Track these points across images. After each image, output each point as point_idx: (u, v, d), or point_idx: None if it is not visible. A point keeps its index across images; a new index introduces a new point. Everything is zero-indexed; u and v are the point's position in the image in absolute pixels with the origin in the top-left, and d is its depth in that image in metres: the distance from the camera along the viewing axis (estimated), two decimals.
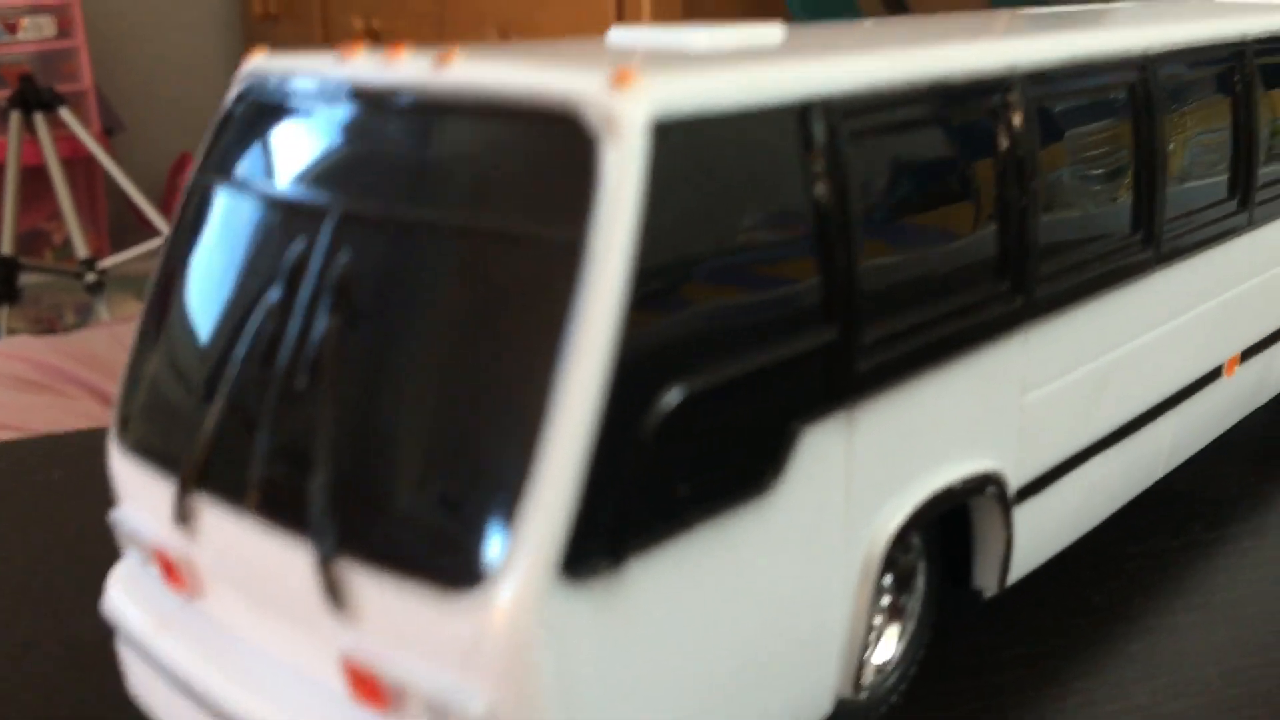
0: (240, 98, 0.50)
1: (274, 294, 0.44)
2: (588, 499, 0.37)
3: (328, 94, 0.46)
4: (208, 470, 0.45)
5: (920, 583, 0.59)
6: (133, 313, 4.10)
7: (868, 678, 0.56)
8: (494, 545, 0.37)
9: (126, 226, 4.18)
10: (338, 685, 0.42)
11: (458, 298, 0.40)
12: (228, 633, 0.47)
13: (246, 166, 0.48)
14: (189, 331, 0.48)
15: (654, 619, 0.41)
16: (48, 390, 3.42)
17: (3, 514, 0.80)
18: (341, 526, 0.40)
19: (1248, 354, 0.79)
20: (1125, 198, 0.63)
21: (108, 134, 4.52)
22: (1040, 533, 0.62)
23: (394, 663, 0.40)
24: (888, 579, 0.57)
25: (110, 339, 3.67)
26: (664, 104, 0.39)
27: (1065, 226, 0.59)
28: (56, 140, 3.90)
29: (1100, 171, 0.62)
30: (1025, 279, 0.56)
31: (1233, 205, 0.73)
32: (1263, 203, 0.76)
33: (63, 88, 4.06)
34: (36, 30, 4.42)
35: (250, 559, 0.44)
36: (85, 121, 4.16)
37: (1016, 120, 0.54)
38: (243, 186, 0.48)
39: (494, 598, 0.37)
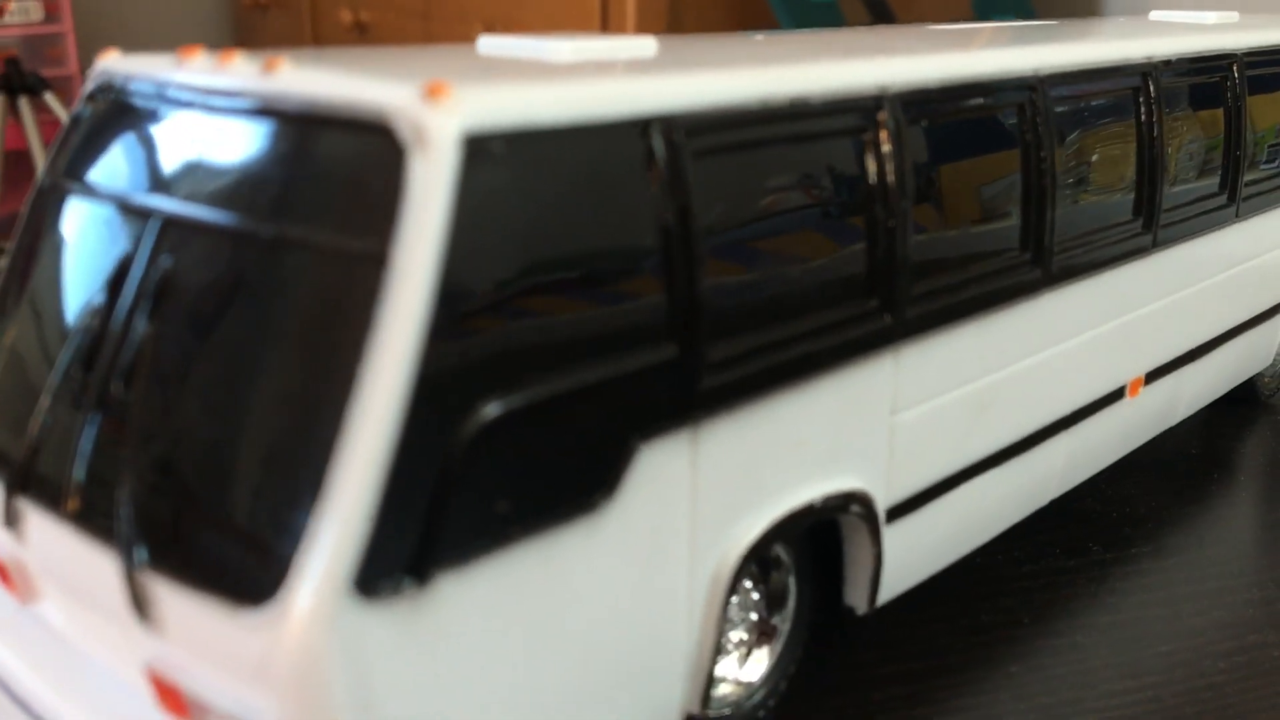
0: (89, 98, 0.49)
1: (97, 298, 0.44)
2: (385, 515, 0.37)
3: (164, 96, 0.45)
4: (31, 474, 0.44)
5: (790, 601, 0.58)
6: None
7: (728, 695, 0.56)
8: (285, 561, 0.37)
9: None
10: (148, 695, 0.42)
11: (264, 308, 0.40)
12: (59, 640, 0.46)
13: (88, 168, 0.48)
14: (26, 335, 0.47)
15: (471, 637, 0.41)
16: None
17: None
18: (147, 537, 0.40)
19: (1153, 376, 0.79)
20: (1014, 217, 0.63)
21: None
22: (914, 552, 0.62)
23: (193, 676, 0.39)
24: (755, 597, 0.57)
25: None
26: (479, 117, 0.39)
27: (945, 245, 0.58)
28: (41, 125, 3.88)
29: (988, 191, 0.61)
30: (895, 298, 0.56)
31: (1137, 226, 0.73)
32: (1169, 225, 0.76)
33: (48, 72, 4.04)
34: (23, 14, 4.40)
35: (71, 565, 0.43)
36: (69, 104, 4.13)
37: (884, 140, 0.54)
38: (83, 188, 0.47)
39: (283, 614, 0.36)
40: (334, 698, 0.37)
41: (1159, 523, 0.83)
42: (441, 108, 0.38)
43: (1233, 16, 0.98)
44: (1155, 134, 0.72)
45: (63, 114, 4.00)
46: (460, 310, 0.38)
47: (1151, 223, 0.74)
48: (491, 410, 0.40)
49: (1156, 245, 0.75)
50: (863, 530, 0.58)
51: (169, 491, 0.40)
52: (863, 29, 0.80)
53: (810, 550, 0.59)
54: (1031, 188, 0.63)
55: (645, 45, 0.54)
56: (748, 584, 0.56)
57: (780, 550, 0.57)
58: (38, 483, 0.44)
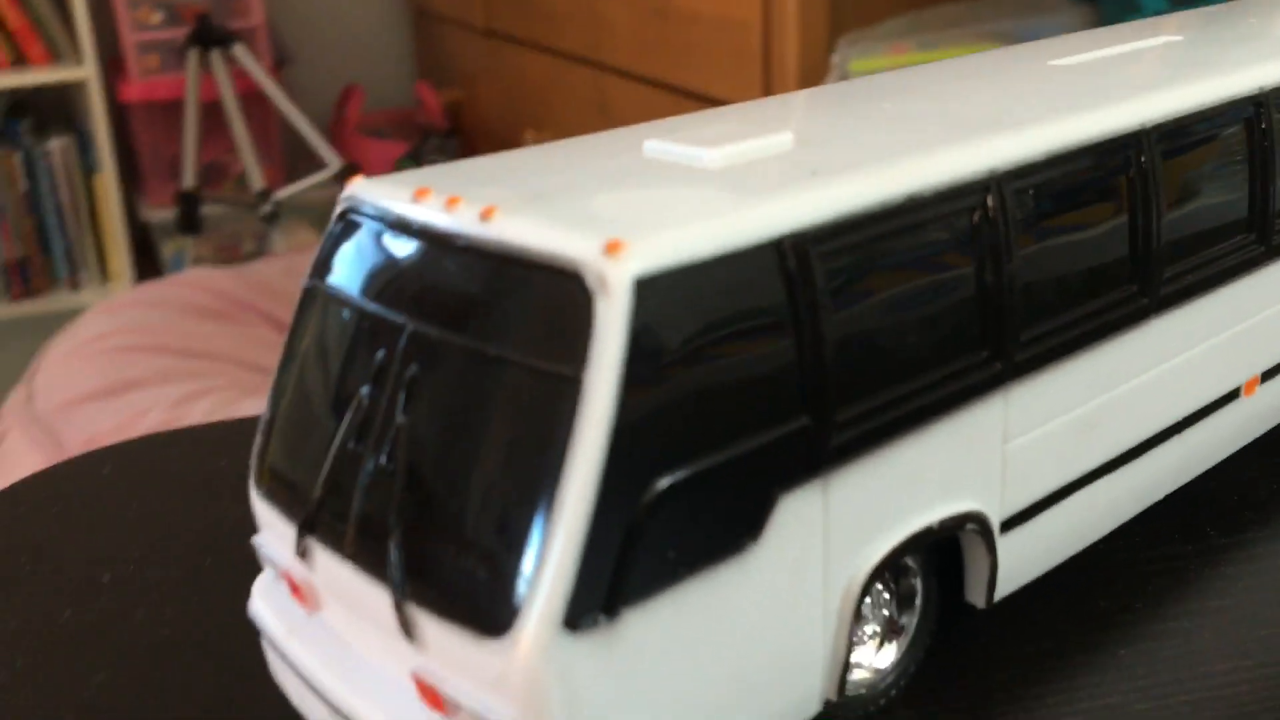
0: (340, 216, 0.62)
1: (366, 389, 0.57)
2: (584, 568, 0.49)
3: (402, 226, 0.58)
4: (318, 520, 0.58)
5: (918, 600, 0.69)
6: (306, 242, 4.36)
7: (863, 679, 0.67)
8: (514, 603, 0.50)
9: (299, 157, 4.41)
10: (413, 692, 0.56)
11: (493, 409, 0.52)
12: (340, 642, 0.61)
13: (340, 275, 0.61)
14: (304, 407, 0.61)
15: (650, 655, 0.53)
16: (227, 318, 3.72)
17: (166, 505, 0.95)
18: (410, 578, 0.53)
19: (1270, 373, 0.86)
20: (1122, 255, 0.71)
21: (279, 67, 4.73)
22: (1028, 555, 0.71)
23: (449, 682, 0.53)
24: (887, 597, 0.68)
25: (284, 269, 3.93)
26: (646, 263, 0.50)
27: (1052, 294, 0.67)
28: (232, 76, 4.14)
29: (1094, 240, 0.69)
30: (1003, 347, 0.65)
31: (1250, 239, 0.79)
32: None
33: (236, 24, 4.30)
34: None
35: (351, 590, 0.57)
36: (257, 56, 4.36)
37: (994, 217, 0.63)
38: (338, 293, 0.60)
39: (514, 644, 0.49)
40: (552, 705, 0.50)
41: (1278, 506, 0.90)
42: (618, 260, 0.50)
43: None
44: (1263, 160, 0.78)
45: (251, 65, 4.22)
46: (636, 412, 0.50)
47: (1265, 235, 0.80)
48: (662, 484, 0.51)
49: (1270, 256, 0.81)
50: (978, 542, 0.68)
51: (425, 545, 0.53)
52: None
53: (936, 557, 0.69)
54: (1138, 230, 0.71)
55: (783, 141, 0.64)
56: (879, 587, 0.67)
57: (909, 559, 0.67)
58: (323, 526, 0.58)
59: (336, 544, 0.57)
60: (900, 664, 0.69)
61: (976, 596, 0.70)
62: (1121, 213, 0.71)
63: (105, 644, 0.77)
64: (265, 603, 0.65)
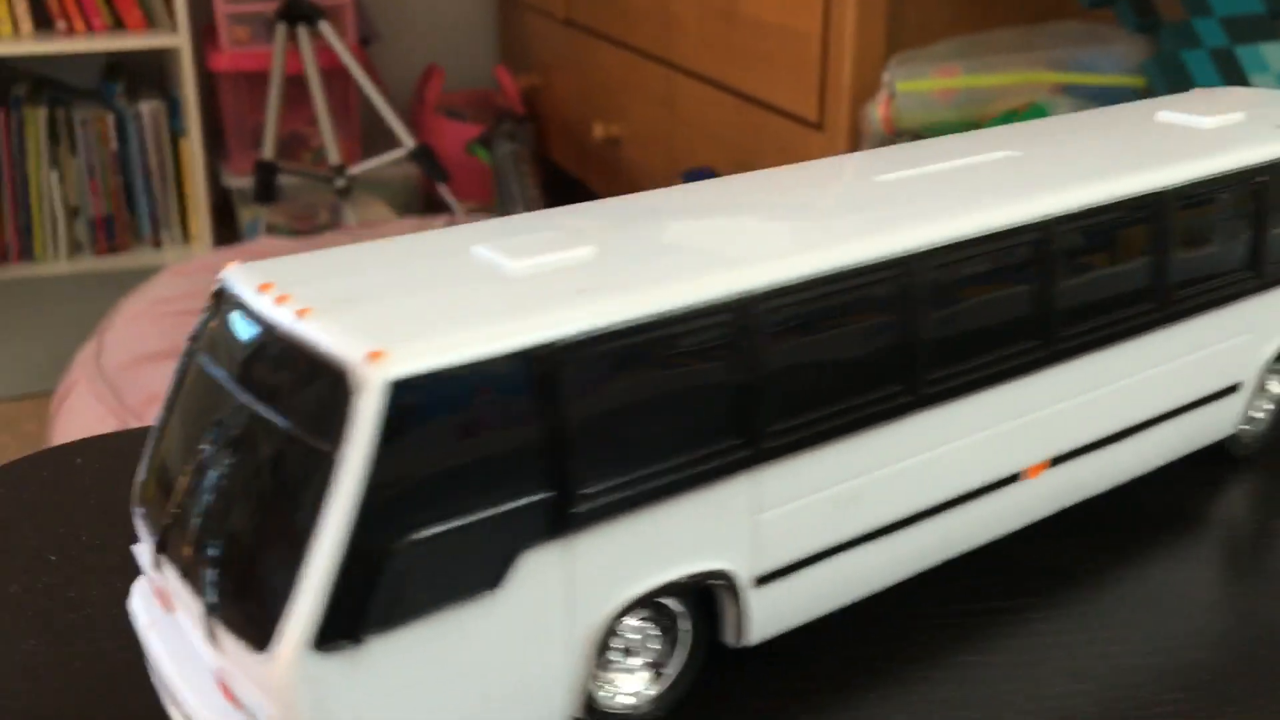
0: (216, 294, 0.77)
1: (206, 437, 0.72)
2: (333, 602, 0.64)
3: (248, 311, 0.73)
4: (168, 540, 0.74)
5: (681, 637, 0.82)
6: (377, 217, 4.56)
7: (630, 703, 0.81)
8: (275, 625, 0.64)
9: (377, 135, 4.61)
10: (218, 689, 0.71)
11: (279, 471, 0.67)
12: (184, 640, 0.76)
13: (207, 344, 0.76)
14: (170, 447, 0.77)
15: (395, 675, 0.67)
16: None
17: (124, 495, 1.11)
18: (213, 595, 0.68)
19: (1061, 459, 0.96)
20: (879, 363, 0.83)
21: (364, 44, 4.91)
22: (782, 608, 0.84)
23: (237, 682, 0.68)
24: (654, 633, 0.81)
25: (351, 242, 4.11)
26: (399, 370, 0.64)
27: (800, 394, 0.79)
28: (316, 51, 4.34)
29: (851, 347, 0.82)
30: (752, 437, 0.78)
31: (1029, 346, 0.90)
32: (1068, 340, 0.92)
33: (324, 1, 4.50)
34: None
35: (185, 600, 0.73)
36: (342, 32, 4.54)
37: (743, 333, 0.75)
38: (204, 358, 0.75)
39: (273, 658, 0.64)
40: (301, 708, 0.64)
41: (1066, 576, 1.00)
42: (376, 366, 0.64)
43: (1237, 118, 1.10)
44: (1054, 282, 0.89)
45: (336, 42, 4.40)
46: (382, 486, 0.64)
47: (1049, 341, 0.91)
48: (406, 539, 0.65)
49: (1053, 360, 0.92)
50: (727, 594, 0.81)
51: (226, 572, 0.68)
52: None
53: (698, 601, 0.82)
54: (903, 341, 0.83)
55: (584, 255, 0.77)
56: (644, 625, 0.80)
57: (670, 602, 0.80)
58: (170, 546, 0.74)
59: (177, 562, 0.73)
60: (666, 694, 0.82)
61: (729, 638, 0.83)
62: (886, 325, 0.82)
63: (42, 614, 0.94)
64: (139, 600, 0.80)
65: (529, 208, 4.28)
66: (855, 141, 3.03)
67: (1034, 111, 2.90)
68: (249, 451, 0.69)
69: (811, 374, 0.80)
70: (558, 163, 4.95)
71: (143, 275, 3.68)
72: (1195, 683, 0.88)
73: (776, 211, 0.88)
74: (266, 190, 4.36)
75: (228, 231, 4.61)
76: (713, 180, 0.96)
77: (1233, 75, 2.75)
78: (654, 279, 0.74)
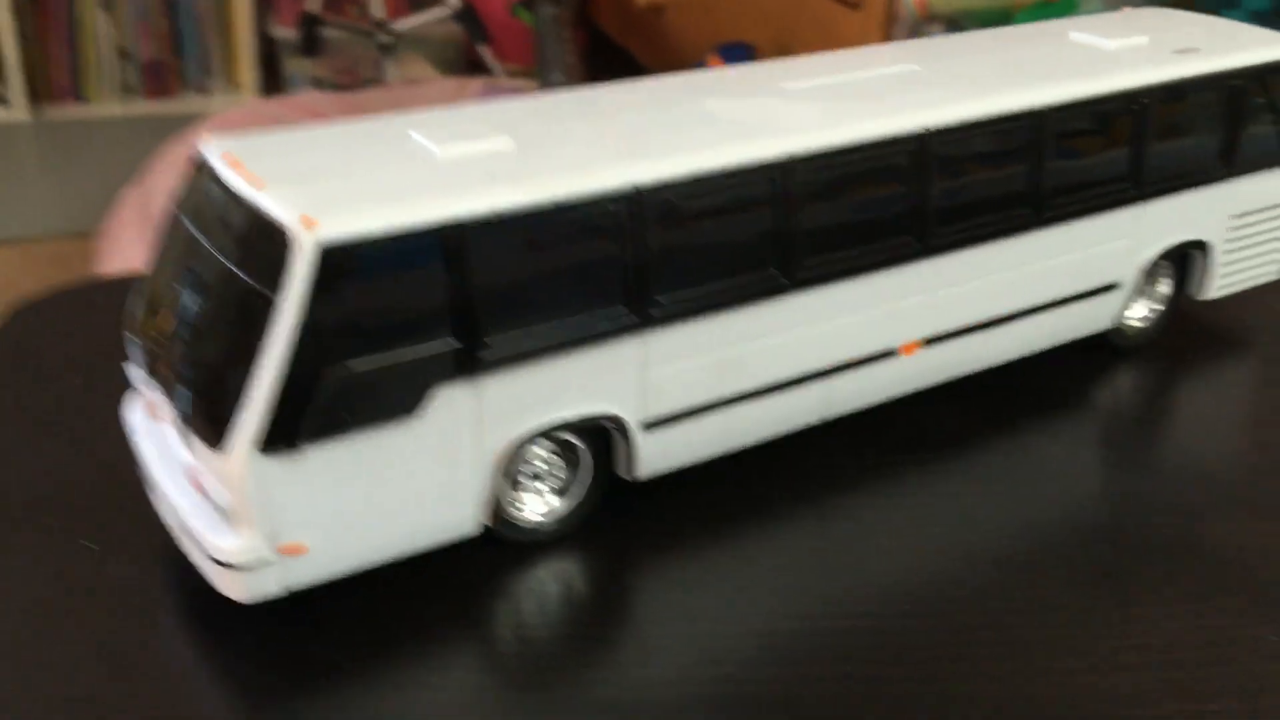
0: (194, 162, 0.92)
1: (183, 280, 0.88)
2: (274, 416, 0.80)
3: (216, 179, 0.88)
4: (154, 359, 0.91)
5: (583, 468, 0.99)
6: (420, 75, 4.65)
7: (535, 519, 0.97)
8: (231, 431, 0.81)
9: None
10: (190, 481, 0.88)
11: (237, 309, 0.83)
12: (167, 444, 0.93)
13: (185, 204, 0.91)
14: (156, 286, 0.93)
15: (327, 478, 0.84)
16: None
17: (91, 351, 1.28)
18: (186, 407, 0.85)
19: (936, 340, 1.10)
20: (760, 249, 0.97)
21: None
22: (667, 451, 1.00)
23: (202, 475, 0.85)
24: (561, 463, 0.98)
25: (388, 100, 4.24)
26: (331, 234, 0.79)
27: (687, 273, 0.94)
28: None
29: (740, 231, 0.95)
30: (640, 306, 0.92)
31: (908, 239, 1.04)
32: (946, 236, 1.06)
33: None
34: None
35: (166, 411, 0.90)
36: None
37: (634, 218, 0.89)
38: (182, 215, 0.91)
39: (228, 456, 0.81)
40: (250, 497, 0.82)
41: (941, 440, 1.15)
42: (310, 230, 0.79)
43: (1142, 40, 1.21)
44: (929, 187, 1.02)
45: None
46: (315, 327, 0.80)
47: (923, 236, 1.05)
48: (335, 371, 0.82)
49: (927, 253, 1.05)
50: (619, 435, 0.97)
51: (194, 387, 0.85)
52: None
53: (601, 439, 0.98)
54: (780, 232, 0.97)
55: (505, 144, 0.91)
56: (543, 455, 0.96)
57: (571, 437, 0.97)
58: (154, 367, 0.90)
59: (160, 378, 0.89)
60: (567, 515, 0.99)
61: (622, 472, 1.00)
62: (765, 218, 0.96)
63: (59, 423, 1.13)
64: (132, 411, 0.98)
65: (567, 74, 4.35)
66: (890, 23, 3.08)
67: (1065, 2, 2.93)
68: (214, 294, 0.85)
69: (696, 256, 0.94)
70: (602, 28, 4.99)
71: (189, 121, 3.82)
72: (1027, 538, 1.03)
73: (676, 114, 1.01)
74: (310, 42, 4.45)
75: (273, 82, 4.72)
76: (637, 81, 1.09)
77: None
78: (558, 169, 0.88)
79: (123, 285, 1.35)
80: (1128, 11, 1.35)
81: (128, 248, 3.22)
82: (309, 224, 0.79)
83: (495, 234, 0.85)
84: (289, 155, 0.89)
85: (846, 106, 1.02)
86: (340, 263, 0.80)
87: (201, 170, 0.91)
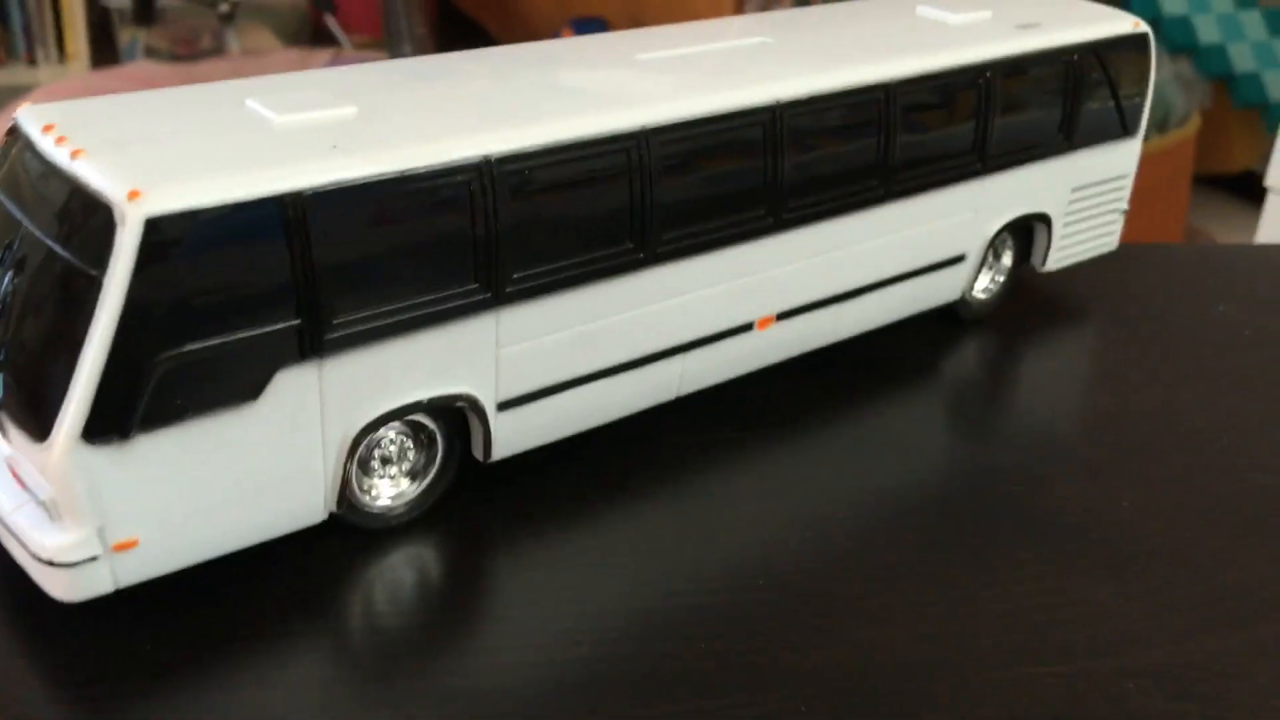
0: (9, 131, 0.86)
1: (2, 258, 0.82)
2: (99, 402, 0.75)
3: (33, 149, 0.82)
4: None
5: (439, 451, 0.96)
6: (263, 46, 4.50)
7: (385, 505, 0.94)
8: (53, 419, 0.76)
9: None
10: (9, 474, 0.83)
11: (58, 291, 0.78)
12: None
13: (3, 176, 0.85)
14: None
15: (162, 467, 0.79)
16: None
17: None
18: (3, 394, 0.79)
19: (787, 315, 1.11)
20: (615, 224, 0.95)
21: None
22: (527, 429, 0.98)
23: (23, 467, 0.80)
24: (410, 446, 0.95)
25: (230, 71, 4.08)
26: (157, 207, 0.75)
27: (540, 249, 0.92)
28: None
29: (585, 209, 0.94)
30: (493, 283, 0.90)
31: (759, 213, 1.04)
32: (795, 211, 1.06)
33: None
34: None
35: None
36: None
37: (484, 191, 0.87)
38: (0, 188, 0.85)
39: (49, 447, 0.76)
40: (75, 491, 0.77)
41: (794, 414, 1.16)
42: (135, 204, 0.74)
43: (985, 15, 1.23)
44: (781, 160, 1.02)
45: None
46: (142, 306, 0.75)
47: (775, 210, 1.04)
48: (167, 352, 0.77)
49: (780, 227, 1.05)
50: (472, 415, 0.94)
51: (14, 374, 0.79)
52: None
53: (454, 420, 0.96)
54: (634, 206, 0.95)
55: (346, 114, 0.87)
56: (392, 438, 0.93)
57: (423, 419, 0.94)
58: None
59: None
60: (418, 499, 0.96)
61: (477, 454, 0.97)
62: (618, 192, 0.95)
63: None
64: None
65: (417, 46, 4.27)
66: None
67: None
68: (33, 274, 0.79)
69: (548, 231, 0.92)
70: (453, 0, 4.90)
71: (17, 93, 3.62)
72: (880, 507, 1.04)
73: (528, 84, 0.98)
74: (146, 11, 4.27)
75: (107, 53, 4.51)
76: (486, 50, 1.06)
77: None
78: (403, 140, 0.85)
79: None
80: None
81: None
82: (134, 196, 0.75)
83: (338, 206, 0.82)
84: (114, 123, 0.84)
85: (700, 78, 1.01)
86: (169, 238, 0.76)
87: (17, 139, 0.85)
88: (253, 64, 4.26)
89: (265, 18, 4.72)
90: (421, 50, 4.23)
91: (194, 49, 4.55)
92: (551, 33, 3.80)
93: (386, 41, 4.61)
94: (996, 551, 1.00)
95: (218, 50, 4.43)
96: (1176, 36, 3.18)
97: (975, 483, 1.09)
